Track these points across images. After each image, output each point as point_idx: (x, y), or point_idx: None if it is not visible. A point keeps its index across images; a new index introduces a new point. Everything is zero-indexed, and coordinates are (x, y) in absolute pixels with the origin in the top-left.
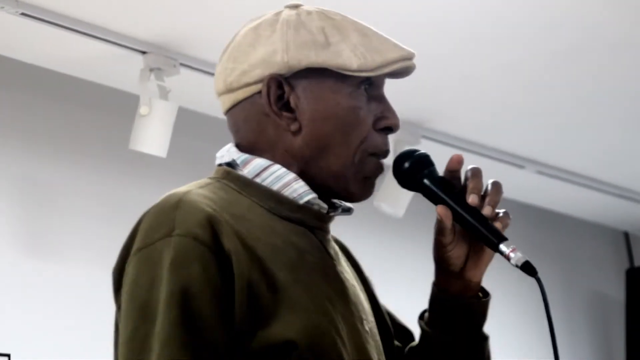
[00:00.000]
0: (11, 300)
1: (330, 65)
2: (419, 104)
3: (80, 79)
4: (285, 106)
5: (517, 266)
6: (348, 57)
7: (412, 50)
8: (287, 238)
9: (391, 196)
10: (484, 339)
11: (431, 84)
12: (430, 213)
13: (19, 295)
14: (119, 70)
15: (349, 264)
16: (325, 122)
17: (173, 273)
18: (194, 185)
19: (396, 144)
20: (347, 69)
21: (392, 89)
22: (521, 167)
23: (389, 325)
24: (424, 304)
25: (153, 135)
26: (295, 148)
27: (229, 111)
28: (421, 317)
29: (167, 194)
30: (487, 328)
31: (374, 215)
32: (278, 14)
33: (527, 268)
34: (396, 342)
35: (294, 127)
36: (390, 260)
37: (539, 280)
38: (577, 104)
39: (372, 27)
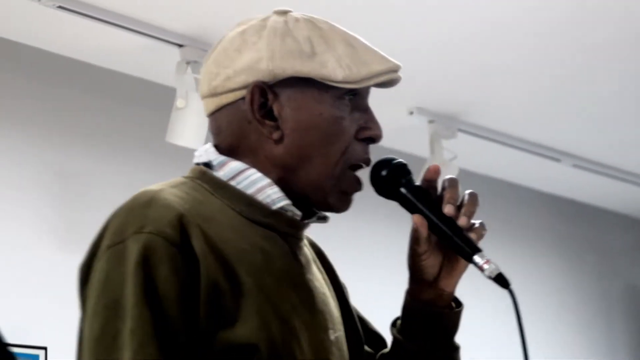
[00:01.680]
0: (47, 294)
1: (314, 76)
2: (455, 97)
3: (117, 71)
4: (269, 114)
5: (490, 278)
6: (333, 68)
7: (398, 63)
8: (256, 242)
9: None
10: (455, 349)
11: (467, 77)
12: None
13: (55, 288)
14: (155, 63)
15: (322, 269)
16: (308, 132)
17: (142, 272)
18: (167, 184)
19: (432, 137)
20: (332, 80)
21: (428, 80)
22: (557, 160)
23: (359, 332)
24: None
25: (190, 128)
26: (276, 156)
27: (212, 114)
28: (393, 324)
29: (139, 191)
30: (461, 334)
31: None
32: (265, 19)
33: (500, 280)
34: (368, 349)
35: (276, 135)
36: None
37: (511, 293)
38: (613, 97)
39: (359, 38)
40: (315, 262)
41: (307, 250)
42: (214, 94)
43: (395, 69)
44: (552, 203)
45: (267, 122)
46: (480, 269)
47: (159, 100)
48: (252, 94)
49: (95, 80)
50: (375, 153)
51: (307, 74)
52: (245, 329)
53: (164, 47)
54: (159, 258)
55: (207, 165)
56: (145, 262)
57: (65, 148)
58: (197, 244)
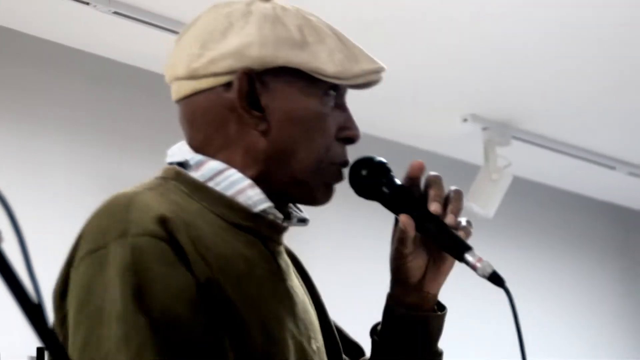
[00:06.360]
0: None
1: (305, 68)
2: (510, 104)
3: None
4: (254, 104)
5: (483, 276)
6: (324, 61)
7: (383, 65)
8: (237, 248)
9: (482, 197)
10: (439, 354)
11: (522, 84)
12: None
13: None
14: None
15: (299, 276)
16: (294, 125)
17: (133, 276)
18: (142, 186)
19: (486, 144)
20: (322, 73)
21: (481, 87)
22: (612, 168)
23: (337, 342)
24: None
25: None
26: (258, 149)
27: (185, 99)
28: (373, 330)
29: (112, 196)
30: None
31: None
32: (250, 4)
33: (495, 278)
34: (346, 358)
35: (262, 127)
36: None
37: (507, 291)
38: None
39: (344, 34)
40: (293, 269)
41: (286, 256)
42: (192, 77)
43: (382, 70)
44: (606, 211)
45: (253, 112)
46: (473, 267)
47: None
48: (240, 80)
49: (151, 86)
50: (429, 160)
51: (297, 65)
52: (230, 346)
53: None
54: (150, 257)
55: (182, 164)
56: (136, 266)
57: (119, 153)
58: (184, 241)
